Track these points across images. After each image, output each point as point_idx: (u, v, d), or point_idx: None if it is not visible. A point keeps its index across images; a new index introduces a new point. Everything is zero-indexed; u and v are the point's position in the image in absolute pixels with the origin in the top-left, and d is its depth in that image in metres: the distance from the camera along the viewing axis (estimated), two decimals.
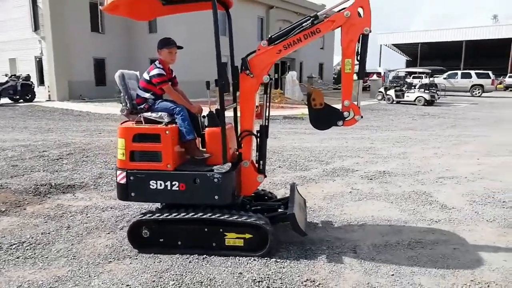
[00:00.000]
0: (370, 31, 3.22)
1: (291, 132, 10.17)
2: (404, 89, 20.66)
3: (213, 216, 3.19)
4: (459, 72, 29.20)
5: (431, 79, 22.45)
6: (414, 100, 19.33)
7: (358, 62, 3.33)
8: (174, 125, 3.33)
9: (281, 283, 2.86)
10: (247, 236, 3.22)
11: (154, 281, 2.88)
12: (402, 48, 52.57)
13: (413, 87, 20.85)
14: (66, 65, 18.55)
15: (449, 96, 25.24)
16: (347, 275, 2.99)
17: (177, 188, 3.25)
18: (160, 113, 3.37)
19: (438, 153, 7.63)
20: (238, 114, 3.63)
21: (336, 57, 34.30)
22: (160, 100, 3.49)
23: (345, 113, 3.34)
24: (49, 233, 3.72)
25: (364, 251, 3.40)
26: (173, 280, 2.89)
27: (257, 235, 3.21)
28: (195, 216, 3.19)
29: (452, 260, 3.22)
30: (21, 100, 17.97)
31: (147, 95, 3.48)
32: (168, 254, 3.25)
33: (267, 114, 3.63)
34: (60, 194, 4.92)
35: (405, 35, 47.50)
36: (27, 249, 3.37)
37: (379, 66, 44.13)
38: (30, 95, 18.07)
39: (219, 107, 3.28)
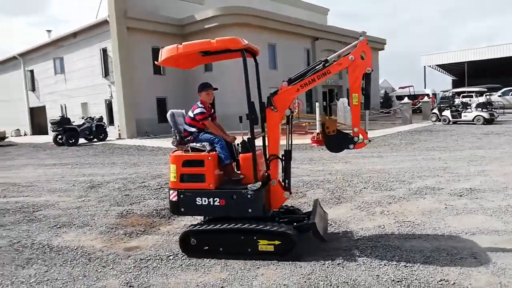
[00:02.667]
0: (372, 70, 3.94)
1: (359, 157, 10.51)
2: (460, 109, 20.34)
3: (249, 226, 3.83)
4: None
5: (487, 97, 21.91)
6: (473, 120, 18.94)
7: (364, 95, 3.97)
8: (214, 152, 4.07)
9: (418, 283, 3.24)
10: (277, 242, 3.82)
11: (305, 281, 3.38)
12: (447, 68, 51.47)
13: (469, 107, 20.46)
14: (133, 106, 20.32)
15: (508, 113, 24.34)
16: (476, 276, 3.31)
17: (218, 204, 3.96)
18: (203, 143, 4.15)
19: None
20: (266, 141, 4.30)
21: (381, 80, 34.39)
22: (202, 133, 4.27)
23: (355, 138, 3.95)
24: None
25: (483, 256, 3.70)
26: (321, 280, 3.37)
27: (285, 242, 3.80)
28: (234, 227, 3.86)
29: None
30: (95, 140, 19.80)
31: (192, 129, 4.30)
32: (212, 258, 3.91)
33: (290, 141, 4.26)
34: (180, 216, 5.62)
35: (449, 55, 46.54)
36: (184, 259, 4.01)
37: (425, 87, 43.39)
38: (103, 135, 19.89)
39: (250, 136, 3.97)
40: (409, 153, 10.78)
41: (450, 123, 19.82)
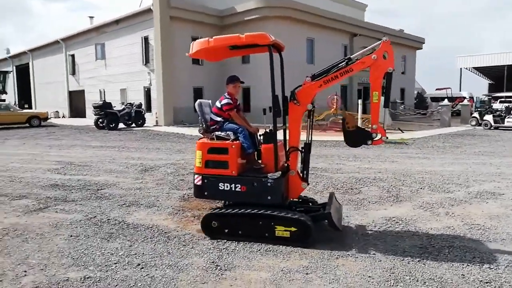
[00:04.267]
0: (393, 70, 4.00)
1: (405, 157, 10.37)
2: (503, 114, 19.64)
3: (267, 212, 4.02)
4: None
5: None
6: None
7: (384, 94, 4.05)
8: (238, 141, 4.25)
9: (509, 285, 3.23)
10: (293, 229, 4.01)
11: (389, 275, 3.42)
12: (483, 71, 49.60)
13: None
14: (172, 94, 20.70)
15: None
16: None
17: (240, 190, 4.18)
18: (227, 132, 4.37)
19: None
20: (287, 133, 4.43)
21: (417, 81, 33.58)
22: (227, 122, 4.46)
23: (373, 134, 4.06)
24: None
25: None
26: (406, 275, 3.41)
27: (301, 229, 3.99)
28: (253, 212, 4.06)
29: None
30: (133, 125, 20.33)
31: (218, 119, 4.49)
32: (232, 240, 4.13)
33: (310, 135, 4.43)
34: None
35: (487, 57, 44.69)
36: (259, 244, 4.11)
37: (460, 90, 42.00)
38: (141, 121, 20.40)
39: (272, 129, 4.17)
40: (457, 156, 10.54)
41: (492, 128, 19.18)
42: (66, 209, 5.48)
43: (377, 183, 7.20)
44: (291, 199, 4.54)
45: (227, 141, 4.29)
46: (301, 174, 4.44)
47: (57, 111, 30.75)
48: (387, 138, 4.13)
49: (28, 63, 35.65)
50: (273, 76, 4.04)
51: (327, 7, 23.97)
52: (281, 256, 3.86)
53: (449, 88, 33.99)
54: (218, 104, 4.54)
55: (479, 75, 51.89)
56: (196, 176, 4.35)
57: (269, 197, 4.11)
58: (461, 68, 46.03)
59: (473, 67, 47.53)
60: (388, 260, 3.74)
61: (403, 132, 16.46)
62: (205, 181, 4.28)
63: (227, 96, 4.53)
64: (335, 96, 17.63)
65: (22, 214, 5.23)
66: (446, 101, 21.77)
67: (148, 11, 20.47)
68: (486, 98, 26.94)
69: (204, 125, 4.60)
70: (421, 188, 6.76)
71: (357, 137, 4.23)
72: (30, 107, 34.56)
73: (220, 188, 4.22)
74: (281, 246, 4.07)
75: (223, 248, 4.02)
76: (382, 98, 4.06)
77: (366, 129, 4.24)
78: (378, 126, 4.05)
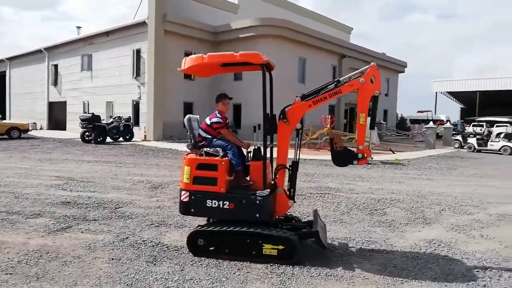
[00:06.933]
0: (380, 94, 4.19)
1: (409, 178, 10.54)
2: (484, 137, 20.52)
3: (257, 230, 4.01)
4: None
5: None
6: (499, 149, 19.09)
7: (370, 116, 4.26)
8: (226, 158, 4.24)
9: None
10: (280, 247, 4.02)
11: None
12: (457, 96, 52.02)
13: (498, 136, 20.64)
14: (162, 108, 20.33)
15: None
16: None
17: (228, 207, 4.14)
18: (216, 148, 4.34)
19: None
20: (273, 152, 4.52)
21: (400, 104, 34.69)
22: (216, 139, 4.47)
23: (359, 155, 4.22)
24: None
25: None
26: None
27: (289, 247, 4.01)
28: (242, 230, 4.03)
29: None
30: (121, 139, 19.72)
31: (207, 135, 4.48)
32: (217, 259, 4.08)
33: (298, 154, 4.44)
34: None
35: (461, 83, 47.00)
36: (316, 268, 3.97)
37: (435, 113, 43.71)
38: (129, 135, 19.83)
39: (260, 146, 4.23)
40: (458, 178, 10.82)
41: (475, 151, 19.95)
42: (92, 229, 5.13)
43: (397, 204, 7.23)
44: (277, 217, 4.53)
45: (216, 157, 4.24)
46: (288, 192, 4.43)
47: (34, 123, 29.47)
48: (372, 158, 4.33)
49: (4, 72, 34.24)
50: (265, 95, 4.13)
51: (315, 28, 24.57)
52: (345, 281, 3.73)
53: (430, 111, 35.30)
54: (207, 121, 4.53)
55: (452, 99, 54.36)
56: (183, 192, 4.26)
57: (257, 215, 4.09)
58: (436, 92, 48.08)
59: (447, 92, 49.80)
60: (454, 285, 3.68)
61: (394, 153, 16.82)
62: (192, 197, 4.20)
63: (218, 115, 4.52)
64: (329, 116, 17.87)
65: (45, 234, 4.84)
66: (431, 124, 22.51)
67: (142, 24, 20.23)
68: (458, 123, 28.25)
69: (192, 141, 4.56)
70: (442, 210, 6.84)
71: (344, 157, 4.35)
72: (4, 118, 32.97)
73: (207, 205, 4.16)
74: (340, 269, 3.95)
75: (281, 273, 3.85)
76: (369, 119, 4.23)
77: (351, 148, 4.36)
78: (363, 147, 4.20)
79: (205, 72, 5.02)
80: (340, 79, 4.36)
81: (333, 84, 4.28)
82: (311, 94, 4.32)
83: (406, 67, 33.32)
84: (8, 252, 4.19)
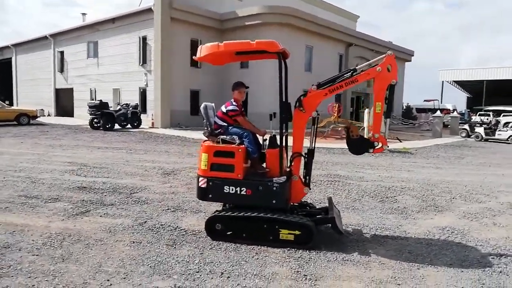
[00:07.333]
0: (397, 82, 4.20)
1: (417, 166, 10.56)
2: (493, 127, 20.41)
3: (274, 216, 4.09)
4: None
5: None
6: (507, 139, 19.00)
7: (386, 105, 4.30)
8: (243, 145, 4.29)
9: None
10: (297, 232, 4.10)
11: (481, 286, 3.43)
12: (463, 85, 51.54)
13: (505, 126, 20.51)
14: (169, 96, 20.35)
15: None
16: None
17: (245, 193, 4.21)
18: (232, 136, 4.39)
19: None
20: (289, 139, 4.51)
21: (405, 93, 34.46)
22: (232, 127, 4.52)
23: (375, 143, 4.25)
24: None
25: None
26: (497, 286, 3.42)
27: (305, 232, 4.09)
28: (259, 215, 4.11)
29: None
30: (128, 126, 19.82)
31: (223, 123, 4.53)
32: (235, 243, 4.15)
33: (314, 141, 4.50)
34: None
35: (468, 72, 46.51)
36: (333, 253, 4.05)
37: (441, 102, 43.43)
38: (137, 122, 19.92)
39: (276, 134, 4.30)
40: (467, 167, 10.83)
41: (482, 140, 19.87)
42: (110, 213, 5.24)
43: (407, 192, 7.28)
44: (292, 203, 4.60)
45: (233, 145, 4.30)
46: (303, 179, 4.49)
47: (42, 109, 29.61)
48: (388, 147, 4.36)
49: (10, 58, 34.28)
50: (281, 83, 4.13)
51: (321, 16, 24.30)
52: (361, 266, 3.81)
53: (436, 100, 35.09)
54: (223, 109, 4.58)
55: (459, 88, 53.88)
56: (200, 178, 4.34)
57: (274, 201, 4.16)
58: (443, 81, 47.64)
59: (454, 81, 49.34)
60: (472, 271, 3.75)
61: (401, 142, 16.79)
62: (210, 183, 4.28)
63: (233, 103, 4.57)
64: (336, 104, 17.83)
65: (65, 218, 4.96)
66: (438, 113, 22.40)
67: (148, 11, 20.11)
68: (465, 112, 28.12)
69: (209, 128, 4.60)
70: (454, 198, 6.88)
71: (360, 146, 4.38)
72: (11, 104, 33.15)
73: (225, 191, 4.23)
74: (356, 254, 4.03)
75: (298, 257, 3.93)
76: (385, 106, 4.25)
77: (367, 137, 4.39)
78: (379, 135, 4.21)
79: (220, 60, 4.98)
80: (357, 67, 4.37)
81: (349, 73, 4.29)
82: (327, 82, 4.33)
83: (413, 55, 32.97)
84: (32, 235, 4.31)
